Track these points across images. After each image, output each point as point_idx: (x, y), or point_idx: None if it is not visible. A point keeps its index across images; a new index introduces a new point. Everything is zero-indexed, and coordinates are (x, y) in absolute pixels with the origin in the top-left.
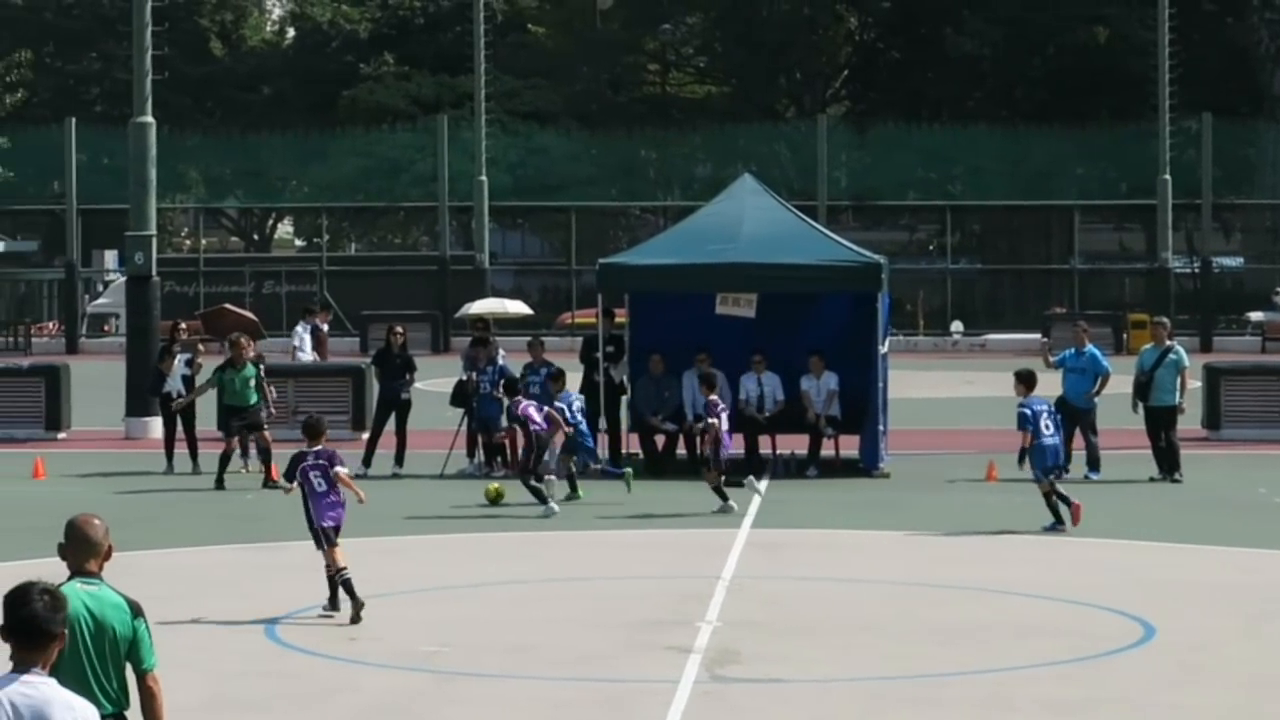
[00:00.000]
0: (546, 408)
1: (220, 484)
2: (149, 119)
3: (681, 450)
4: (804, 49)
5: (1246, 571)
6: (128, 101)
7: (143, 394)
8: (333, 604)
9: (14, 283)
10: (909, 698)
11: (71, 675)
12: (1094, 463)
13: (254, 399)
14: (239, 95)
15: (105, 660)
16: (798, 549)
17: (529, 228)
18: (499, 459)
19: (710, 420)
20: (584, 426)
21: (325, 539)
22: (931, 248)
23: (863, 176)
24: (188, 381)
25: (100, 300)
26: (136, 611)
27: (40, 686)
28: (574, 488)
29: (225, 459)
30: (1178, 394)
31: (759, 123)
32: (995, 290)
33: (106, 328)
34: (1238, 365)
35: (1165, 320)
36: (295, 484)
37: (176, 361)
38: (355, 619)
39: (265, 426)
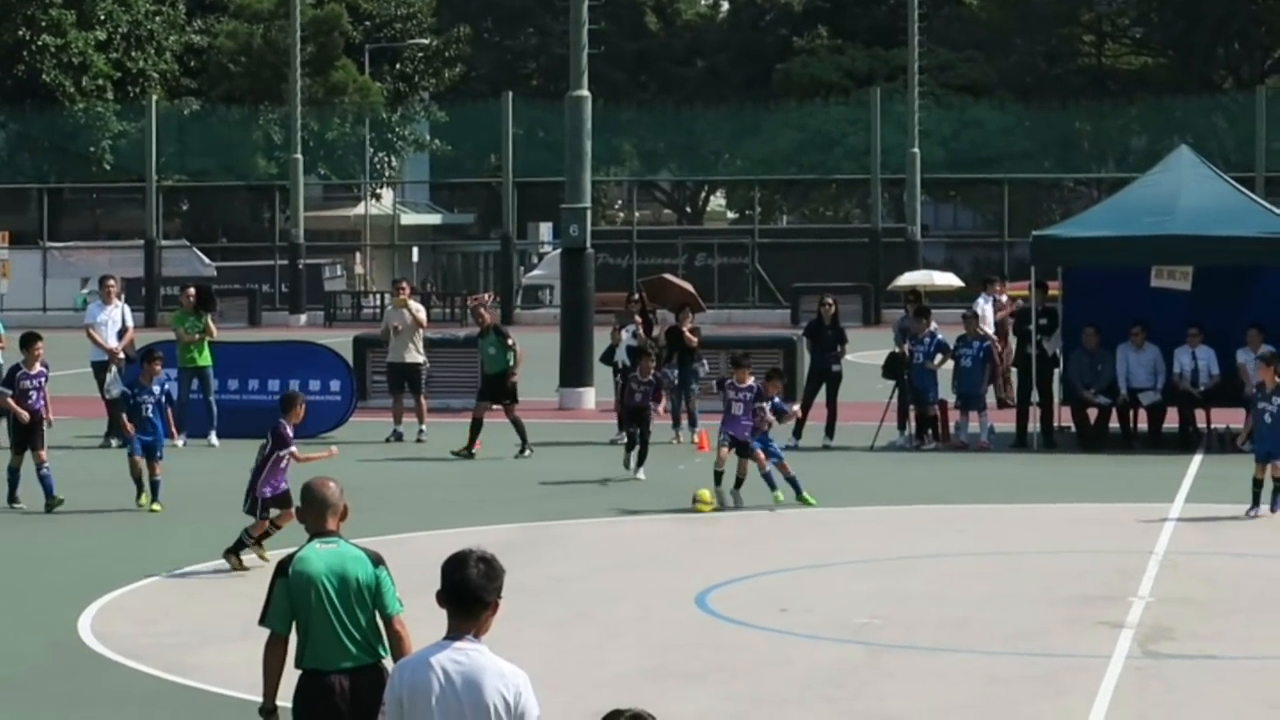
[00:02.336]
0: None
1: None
2: (585, 93)
3: (1114, 424)
4: (1243, 19)
5: None
6: (564, 76)
7: (577, 365)
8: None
9: (451, 254)
10: None
11: (319, 630)
12: None
13: (506, 364)
14: (674, 69)
15: (352, 610)
16: (1234, 525)
17: (961, 200)
18: (930, 432)
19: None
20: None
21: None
22: None
23: None
24: (633, 352)
25: (535, 272)
26: (377, 561)
27: (472, 654)
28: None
29: (517, 426)
30: None
31: (1196, 94)
32: None
33: (541, 296)
34: None
35: None
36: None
37: (624, 333)
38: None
39: (509, 399)
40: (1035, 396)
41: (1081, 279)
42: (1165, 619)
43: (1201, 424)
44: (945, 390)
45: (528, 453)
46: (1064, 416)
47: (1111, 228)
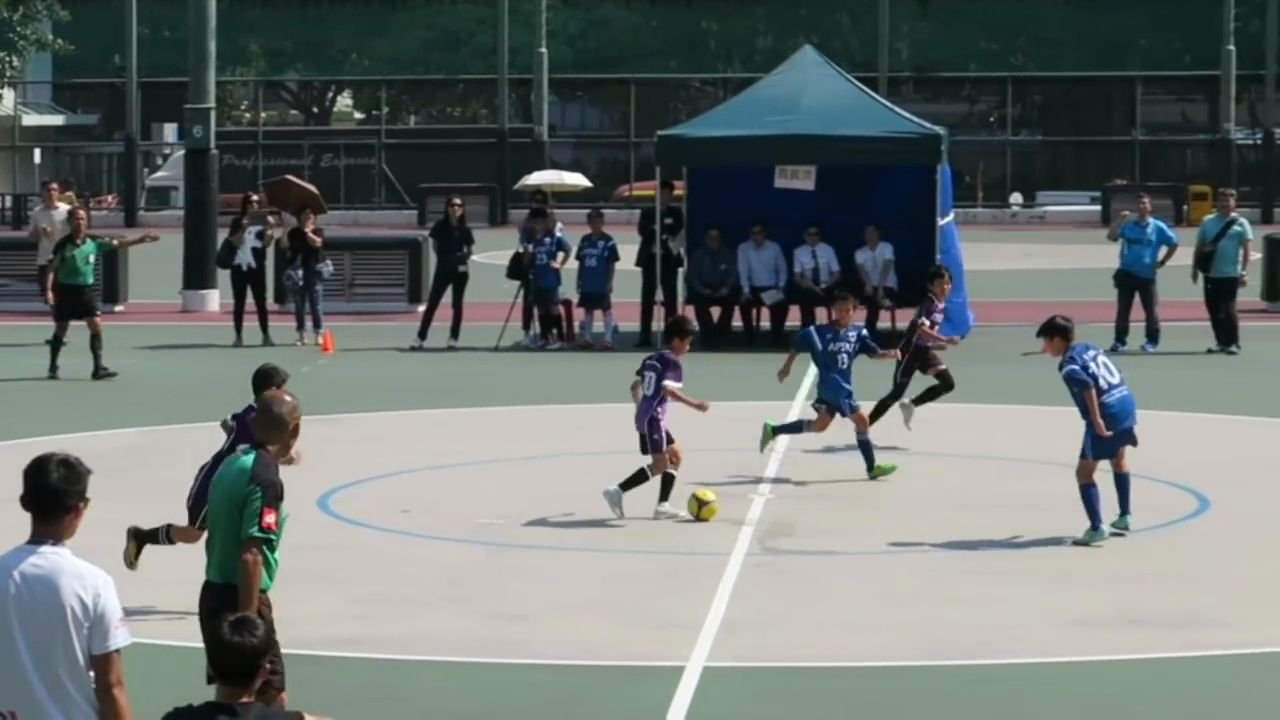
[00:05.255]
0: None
1: (53, 371)
2: None
3: (737, 323)
4: None
5: None
6: None
7: (200, 267)
8: None
9: (75, 156)
10: (967, 569)
11: (209, 535)
12: (1153, 335)
13: (91, 279)
14: None
15: (222, 523)
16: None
17: (588, 100)
18: (554, 331)
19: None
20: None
21: None
22: (993, 120)
23: (925, 48)
24: (258, 254)
25: (160, 173)
26: (253, 478)
27: (51, 557)
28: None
29: (57, 343)
30: (1240, 265)
31: None
32: (1056, 162)
33: (167, 197)
34: None
35: (1232, 191)
36: None
37: (247, 234)
38: None
39: (98, 311)
40: (660, 295)
41: (706, 179)
42: (785, 515)
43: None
44: (570, 289)
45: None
46: (687, 315)
47: (736, 127)
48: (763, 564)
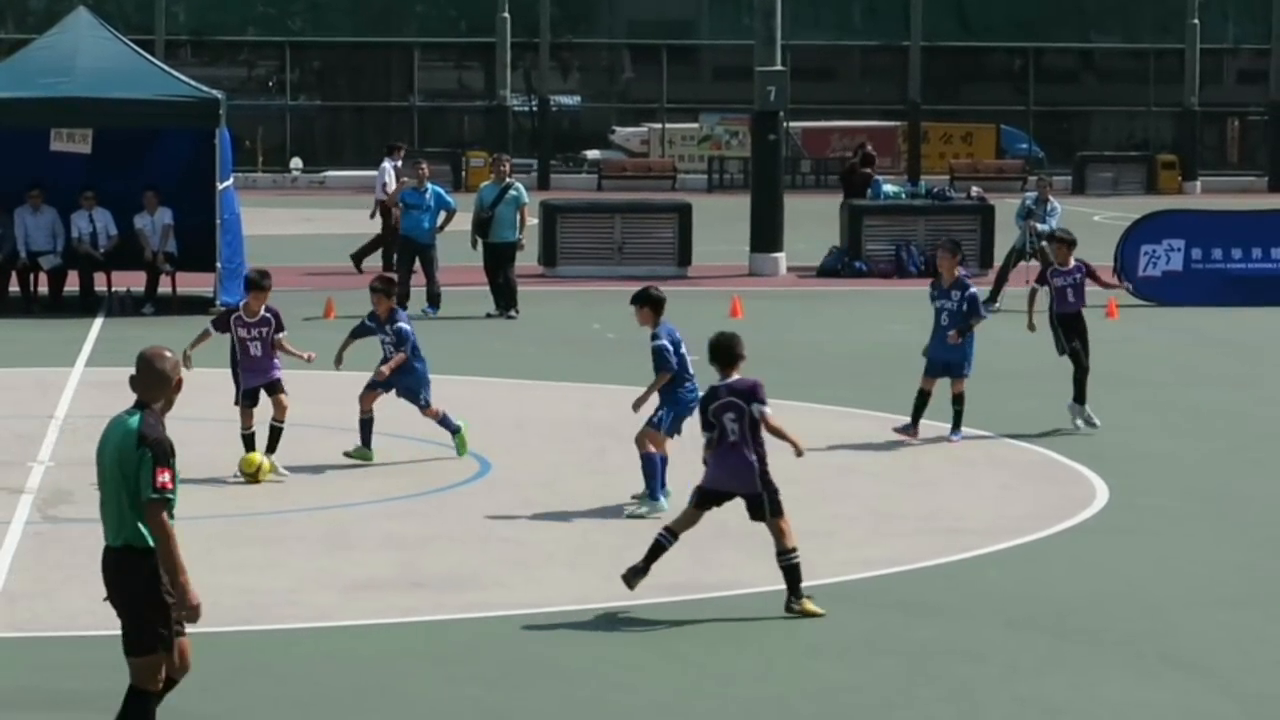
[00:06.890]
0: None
1: None
2: None
3: (15, 288)
4: None
5: (585, 406)
6: None
7: None
8: None
9: None
10: (247, 536)
11: (108, 502)
12: (434, 300)
13: None
14: None
15: (112, 484)
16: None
17: None
18: None
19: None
20: None
21: None
22: (271, 84)
23: (202, 12)
24: None
25: None
26: (141, 440)
27: None
28: None
29: None
30: (517, 230)
31: None
32: (335, 127)
33: None
34: (574, 203)
35: (507, 156)
36: None
37: None
38: None
39: None
40: None
41: None
42: (66, 483)
43: (102, 287)
44: None
45: None
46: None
47: (9, 89)
48: (44, 533)
